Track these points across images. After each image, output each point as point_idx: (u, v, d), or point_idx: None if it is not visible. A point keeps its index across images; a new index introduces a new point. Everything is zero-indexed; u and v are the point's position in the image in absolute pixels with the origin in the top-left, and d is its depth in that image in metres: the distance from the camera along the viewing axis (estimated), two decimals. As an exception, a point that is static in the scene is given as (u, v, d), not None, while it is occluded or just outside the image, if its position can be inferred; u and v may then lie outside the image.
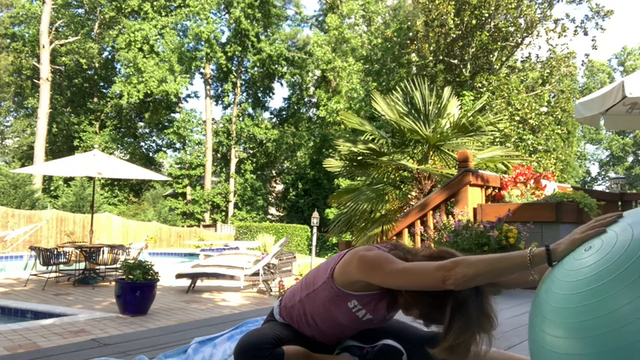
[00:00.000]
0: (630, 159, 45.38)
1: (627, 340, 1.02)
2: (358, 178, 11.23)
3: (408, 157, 7.77)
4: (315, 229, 13.58)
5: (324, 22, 28.65)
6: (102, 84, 31.36)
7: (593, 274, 1.13)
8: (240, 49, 28.39)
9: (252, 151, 31.32)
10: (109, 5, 28.41)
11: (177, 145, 31.69)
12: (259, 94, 31.69)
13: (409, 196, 7.56)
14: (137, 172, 10.81)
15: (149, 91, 26.40)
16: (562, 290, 1.18)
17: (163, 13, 28.80)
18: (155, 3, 28.27)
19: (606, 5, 16.87)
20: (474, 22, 16.31)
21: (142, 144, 33.60)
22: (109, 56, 31.20)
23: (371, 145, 7.59)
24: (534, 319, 1.27)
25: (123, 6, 28.13)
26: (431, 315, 1.57)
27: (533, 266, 1.31)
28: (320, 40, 26.36)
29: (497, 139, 12.23)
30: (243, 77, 30.77)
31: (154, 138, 33.67)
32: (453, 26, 16.32)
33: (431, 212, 5.62)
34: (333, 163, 8.09)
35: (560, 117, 16.95)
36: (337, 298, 1.66)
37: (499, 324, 1.55)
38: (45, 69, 23.18)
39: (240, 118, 30.23)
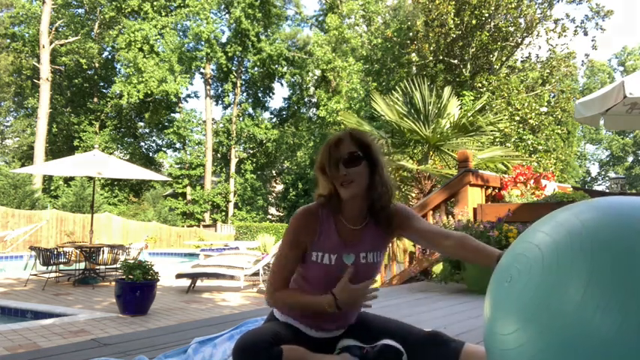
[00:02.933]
0: (630, 159, 45.41)
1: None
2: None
3: (408, 158, 7.78)
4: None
5: (324, 22, 28.66)
6: (102, 84, 31.37)
7: (526, 301, 1.10)
8: (240, 49, 28.39)
9: (252, 151, 31.34)
10: (109, 5, 28.42)
11: (177, 145, 31.71)
12: (259, 94, 31.70)
13: (409, 196, 7.56)
14: (137, 172, 10.81)
15: (149, 91, 26.40)
16: (504, 330, 1.15)
17: (163, 13, 28.80)
18: (155, 3, 28.27)
19: (606, 5, 16.85)
20: (474, 22, 16.31)
21: (142, 144, 33.63)
22: (109, 56, 31.22)
23: (371, 145, 7.58)
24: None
25: (123, 6, 28.14)
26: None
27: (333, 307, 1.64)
28: (320, 40, 26.37)
29: (497, 139, 12.23)
30: (243, 77, 30.78)
31: (154, 138, 33.70)
32: (453, 26, 16.32)
33: (431, 212, 5.62)
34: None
35: (560, 117, 16.94)
36: (305, 259, 1.75)
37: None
38: (45, 69, 23.19)
39: (240, 118, 30.24)
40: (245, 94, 31.57)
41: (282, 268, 1.75)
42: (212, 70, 30.35)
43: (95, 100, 30.45)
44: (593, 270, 1.02)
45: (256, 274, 8.18)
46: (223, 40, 29.03)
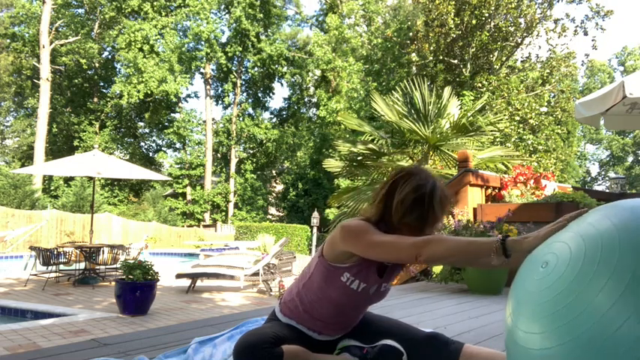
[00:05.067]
0: (630, 159, 45.37)
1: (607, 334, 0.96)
2: (358, 179, 11.24)
3: (408, 158, 7.77)
4: (315, 229, 13.57)
5: (324, 22, 28.65)
6: (102, 84, 31.36)
7: (559, 291, 1.05)
8: (240, 49, 28.39)
9: (252, 151, 31.34)
10: (109, 5, 28.40)
11: (178, 145, 31.73)
12: (259, 94, 31.71)
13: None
14: (137, 172, 10.81)
15: (149, 91, 26.39)
16: (533, 319, 1.11)
17: (163, 13, 28.79)
18: (155, 3, 28.27)
19: (606, 5, 16.88)
20: (474, 22, 16.31)
21: (142, 144, 33.63)
22: (109, 56, 31.21)
23: (370, 145, 7.59)
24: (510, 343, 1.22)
25: (123, 6, 28.13)
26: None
27: (498, 255, 1.33)
28: (320, 40, 26.36)
29: (497, 139, 12.24)
30: (243, 77, 30.78)
31: (154, 138, 33.71)
32: (453, 26, 16.32)
33: (431, 212, 5.61)
34: (333, 164, 8.11)
35: (560, 117, 16.95)
36: (330, 275, 1.68)
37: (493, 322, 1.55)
38: (45, 69, 23.18)
39: (241, 118, 30.25)
40: (245, 94, 31.57)
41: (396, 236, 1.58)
42: (212, 70, 30.35)
43: (95, 100, 30.44)
44: (636, 272, 0.97)
45: (256, 274, 8.18)
46: (223, 40, 29.04)
